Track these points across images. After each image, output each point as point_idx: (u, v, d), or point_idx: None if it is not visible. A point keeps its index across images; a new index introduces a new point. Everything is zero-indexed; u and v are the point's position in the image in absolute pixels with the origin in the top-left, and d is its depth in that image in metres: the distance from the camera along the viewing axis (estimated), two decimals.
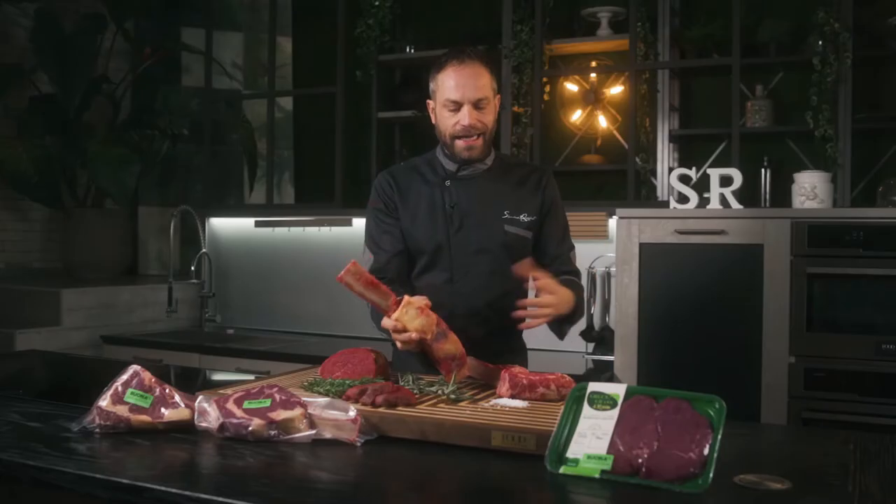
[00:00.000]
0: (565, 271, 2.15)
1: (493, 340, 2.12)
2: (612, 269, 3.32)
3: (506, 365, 1.80)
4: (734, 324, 2.93)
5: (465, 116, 2.02)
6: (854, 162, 3.43)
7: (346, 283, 1.80)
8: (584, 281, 3.43)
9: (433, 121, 2.12)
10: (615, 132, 4.12)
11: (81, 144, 4.21)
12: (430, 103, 2.12)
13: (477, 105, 2.03)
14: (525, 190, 2.16)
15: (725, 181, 3.08)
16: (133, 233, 4.75)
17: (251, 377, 2.09)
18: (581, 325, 3.48)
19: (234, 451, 1.44)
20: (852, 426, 2.62)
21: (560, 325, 2.11)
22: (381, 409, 1.56)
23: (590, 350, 3.50)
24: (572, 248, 2.24)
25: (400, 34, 4.37)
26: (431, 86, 2.10)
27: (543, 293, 1.92)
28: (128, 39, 4.66)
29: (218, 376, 2.77)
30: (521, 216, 2.13)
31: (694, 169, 3.19)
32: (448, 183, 2.14)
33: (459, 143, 2.06)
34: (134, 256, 4.79)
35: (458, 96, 2.01)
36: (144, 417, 1.56)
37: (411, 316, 1.78)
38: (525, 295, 2.27)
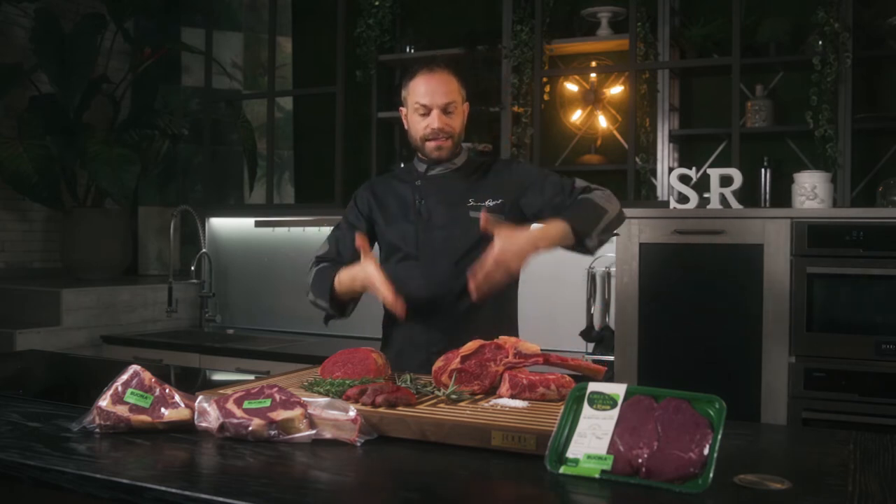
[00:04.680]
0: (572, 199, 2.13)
1: (474, 317, 2.15)
2: (612, 269, 3.32)
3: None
4: (734, 324, 2.93)
5: (434, 120, 2.15)
6: (854, 162, 3.43)
7: None
8: (583, 280, 3.46)
9: (406, 126, 2.25)
10: (615, 132, 4.12)
11: (81, 144, 4.20)
12: (403, 110, 2.25)
13: (445, 109, 2.15)
14: (489, 178, 2.25)
15: (725, 181, 3.08)
16: (133, 233, 4.75)
17: (251, 377, 2.09)
18: (581, 325, 3.49)
19: (234, 451, 1.44)
20: (852, 426, 2.62)
21: (581, 240, 2.04)
22: (381, 409, 1.56)
23: (590, 350, 3.50)
24: (572, 182, 2.20)
25: (400, 34, 4.38)
26: (403, 93, 2.23)
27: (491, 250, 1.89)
28: (128, 39, 4.66)
29: (218, 376, 2.77)
30: (486, 202, 2.20)
31: (694, 169, 3.19)
32: (419, 182, 2.26)
33: (430, 145, 2.19)
34: (134, 256, 4.79)
35: (428, 101, 2.14)
36: (144, 417, 1.56)
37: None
38: (511, 290, 2.30)
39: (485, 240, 2.16)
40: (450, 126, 2.16)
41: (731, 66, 3.49)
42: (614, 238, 3.21)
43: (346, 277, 2.10)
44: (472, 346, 1.78)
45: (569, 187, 2.16)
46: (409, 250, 2.22)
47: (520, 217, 2.21)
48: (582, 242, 2.02)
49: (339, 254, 2.26)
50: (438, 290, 2.17)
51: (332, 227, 4.11)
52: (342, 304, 2.18)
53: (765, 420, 2.85)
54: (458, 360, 1.75)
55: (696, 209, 3.07)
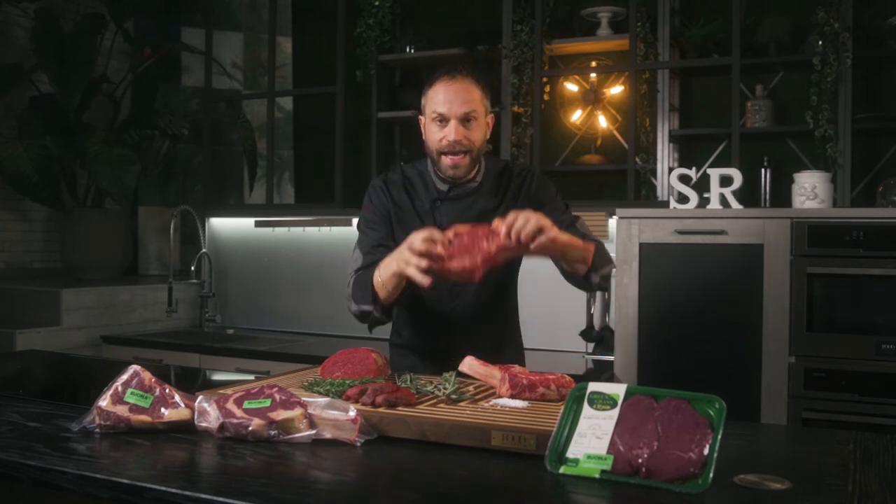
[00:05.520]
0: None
1: (491, 351, 2.10)
2: (612, 269, 3.32)
3: (504, 365, 1.80)
4: (734, 324, 2.93)
5: (451, 132, 2.00)
6: (854, 162, 3.43)
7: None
8: None
9: (423, 136, 2.10)
10: (615, 132, 4.12)
11: (81, 144, 4.20)
12: (422, 119, 2.10)
13: (464, 120, 2.00)
14: (509, 198, 2.15)
15: (725, 181, 3.08)
16: (133, 233, 4.75)
17: (251, 377, 2.09)
18: (581, 325, 3.49)
19: (234, 451, 1.44)
20: (852, 426, 2.62)
21: (590, 272, 2.00)
22: (381, 409, 1.56)
23: (590, 350, 3.50)
24: (575, 219, 2.14)
25: (400, 34, 4.38)
26: (423, 101, 2.08)
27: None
28: (128, 39, 4.66)
29: (218, 376, 2.77)
30: None
31: (694, 169, 3.19)
32: (439, 204, 2.13)
33: (445, 160, 2.04)
34: (134, 256, 4.79)
35: (446, 110, 2.00)
36: (144, 417, 1.56)
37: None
38: (516, 301, 2.30)
39: (504, 265, 2.11)
40: (468, 139, 2.01)
41: (731, 66, 3.49)
42: (614, 238, 3.22)
43: (385, 265, 1.93)
44: (465, 226, 1.80)
45: (569, 221, 2.10)
46: (430, 273, 2.14)
47: None
48: (589, 275, 1.99)
49: (378, 256, 2.07)
50: (462, 319, 2.15)
51: (331, 228, 4.19)
52: (388, 306, 2.02)
53: (765, 420, 2.84)
54: (451, 231, 1.78)
55: (696, 209, 3.07)
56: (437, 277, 1.83)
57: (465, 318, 2.15)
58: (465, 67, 2.07)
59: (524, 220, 1.75)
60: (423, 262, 1.78)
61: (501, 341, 2.23)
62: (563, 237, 1.84)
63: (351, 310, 2.08)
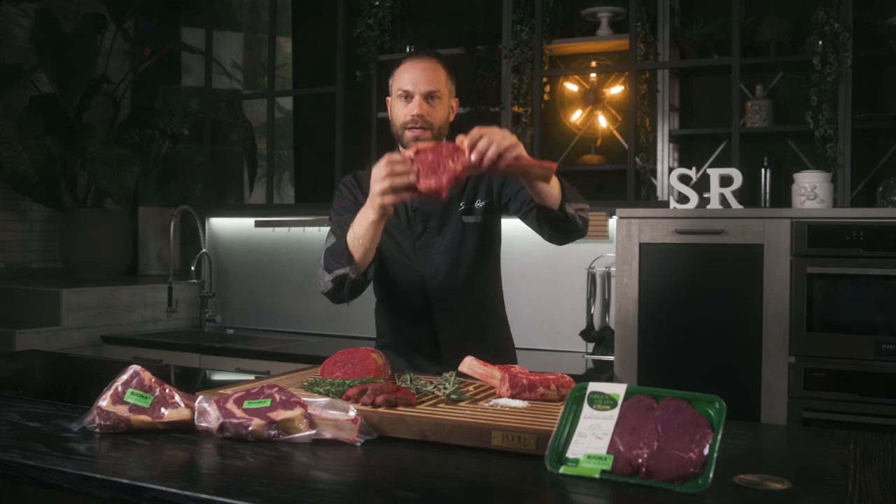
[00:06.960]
0: None
1: (475, 338, 2.14)
2: (612, 269, 3.32)
3: (504, 365, 1.80)
4: (734, 324, 2.93)
5: (414, 106, 2.05)
6: (854, 162, 3.43)
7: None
8: (583, 280, 3.46)
9: (390, 116, 2.15)
10: (615, 132, 4.13)
11: (81, 144, 4.20)
12: (389, 100, 2.16)
13: (428, 97, 2.06)
14: (475, 176, 2.16)
15: (725, 181, 3.08)
16: (133, 233, 4.75)
17: (251, 377, 2.08)
18: (581, 325, 3.49)
19: (234, 451, 1.44)
20: (852, 426, 2.62)
21: (563, 203, 1.94)
22: (381, 409, 1.56)
23: (590, 350, 3.50)
24: None
25: (400, 34, 4.38)
26: (390, 82, 2.14)
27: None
28: (128, 39, 4.66)
29: (218, 376, 2.77)
30: (476, 203, 2.16)
31: (694, 169, 3.19)
32: None
33: (408, 134, 2.07)
34: (134, 256, 4.79)
35: (411, 87, 2.06)
36: (144, 417, 1.56)
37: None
38: (498, 286, 2.29)
39: (477, 240, 2.16)
40: (430, 115, 2.06)
41: (731, 66, 3.49)
42: (614, 238, 3.22)
43: (358, 220, 1.92)
44: (429, 143, 1.79)
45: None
46: (405, 260, 2.16)
47: (499, 208, 2.18)
48: (563, 205, 1.93)
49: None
50: (442, 300, 2.15)
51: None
52: (364, 267, 1.97)
53: (765, 420, 2.85)
54: (412, 151, 1.76)
55: (696, 209, 3.07)
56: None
57: (439, 293, 2.15)
58: (432, 51, 2.14)
59: (488, 142, 1.72)
60: (397, 180, 1.76)
61: (481, 317, 2.22)
62: (528, 158, 1.79)
63: (323, 287, 2.03)
